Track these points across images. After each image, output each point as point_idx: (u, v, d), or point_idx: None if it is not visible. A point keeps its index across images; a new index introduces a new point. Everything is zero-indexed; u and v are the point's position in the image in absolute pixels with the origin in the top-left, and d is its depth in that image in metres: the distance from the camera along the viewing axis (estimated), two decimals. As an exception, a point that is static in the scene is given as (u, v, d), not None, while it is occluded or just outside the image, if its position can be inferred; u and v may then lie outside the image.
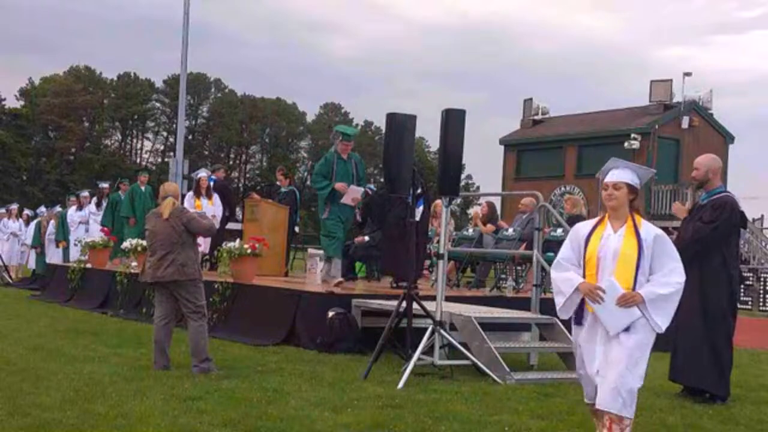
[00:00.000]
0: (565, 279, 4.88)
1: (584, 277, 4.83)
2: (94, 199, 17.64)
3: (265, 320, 9.91)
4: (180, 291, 7.50)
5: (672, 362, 7.38)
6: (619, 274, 4.71)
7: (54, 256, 18.39)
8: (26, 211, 22.89)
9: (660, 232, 4.80)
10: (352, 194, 10.80)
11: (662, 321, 4.69)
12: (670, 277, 4.70)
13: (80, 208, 17.76)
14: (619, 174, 4.91)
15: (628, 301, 4.65)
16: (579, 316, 4.87)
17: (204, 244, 12.45)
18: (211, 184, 14.69)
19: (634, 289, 4.70)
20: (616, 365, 4.65)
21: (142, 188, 16.69)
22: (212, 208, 13.56)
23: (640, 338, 4.69)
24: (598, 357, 4.75)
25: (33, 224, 20.76)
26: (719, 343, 7.12)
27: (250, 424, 5.42)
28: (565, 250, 4.99)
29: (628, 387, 4.63)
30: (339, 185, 10.60)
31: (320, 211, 10.98)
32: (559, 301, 4.92)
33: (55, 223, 18.88)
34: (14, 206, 22.46)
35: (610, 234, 4.81)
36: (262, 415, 5.68)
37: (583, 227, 5.01)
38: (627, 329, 4.67)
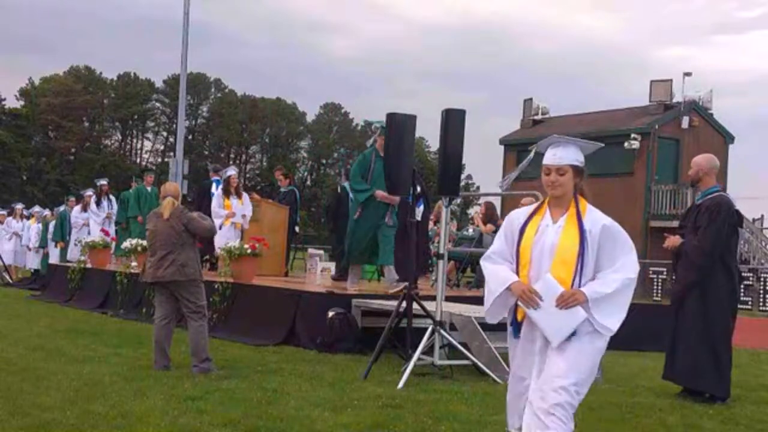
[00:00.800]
0: (495, 275, 4.09)
1: (517, 275, 4.04)
2: (94, 198, 17.59)
3: (265, 320, 9.91)
4: (180, 291, 7.49)
5: (669, 363, 7.37)
6: (556, 272, 3.93)
7: (52, 256, 18.40)
8: (24, 212, 22.88)
9: (609, 221, 4.05)
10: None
11: (611, 322, 3.94)
12: (617, 274, 3.95)
13: (84, 209, 17.66)
14: (563, 155, 4.09)
15: (567, 301, 3.87)
16: (516, 322, 4.09)
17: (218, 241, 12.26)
18: (216, 185, 14.66)
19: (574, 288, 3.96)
20: (552, 380, 3.86)
21: (148, 188, 16.73)
22: (242, 207, 13.00)
23: (584, 346, 3.93)
24: (535, 371, 3.97)
25: (33, 224, 20.77)
26: (718, 343, 7.11)
27: (250, 424, 5.42)
28: (497, 243, 4.22)
29: (564, 405, 3.85)
30: (380, 194, 9.63)
31: (351, 211, 10.29)
32: (487, 301, 4.13)
33: (54, 224, 18.89)
34: (19, 206, 22.47)
35: (548, 225, 4.05)
36: (262, 415, 5.68)
37: (518, 215, 4.19)
38: (570, 336, 3.91)
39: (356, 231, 9.95)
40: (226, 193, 13.02)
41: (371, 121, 10.48)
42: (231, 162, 77.97)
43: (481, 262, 4.21)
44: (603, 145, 4.08)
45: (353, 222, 10.05)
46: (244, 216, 12.88)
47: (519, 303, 3.98)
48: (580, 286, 3.93)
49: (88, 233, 16.70)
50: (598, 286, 3.92)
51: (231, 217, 12.65)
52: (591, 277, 3.96)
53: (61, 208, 19.94)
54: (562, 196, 4.08)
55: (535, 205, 4.20)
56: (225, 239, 12.02)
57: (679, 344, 7.23)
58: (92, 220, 17.22)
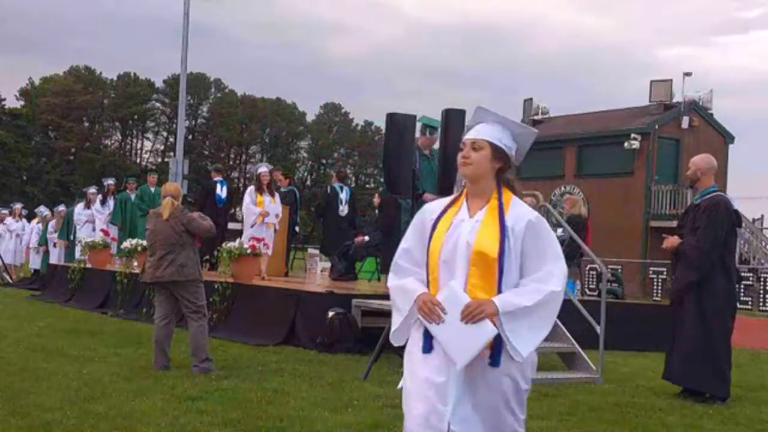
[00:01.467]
0: (402, 290, 3.28)
1: (428, 282, 3.23)
2: (99, 196, 17.65)
3: (265, 320, 9.91)
4: (180, 291, 7.49)
5: (668, 363, 7.37)
6: (474, 280, 3.13)
7: (53, 255, 18.41)
8: (23, 211, 22.91)
9: (536, 217, 3.24)
10: None
11: (523, 345, 3.08)
12: (541, 284, 3.13)
13: (87, 206, 17.74)
14: (483, 129, 3.27)
15: (473, 314, 3.04)
16: (427, 340, 3.21)
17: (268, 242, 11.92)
18: (221, 185, 14.66)
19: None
20: (483, 418, 3.12)
21: (152, 189, 16.76)
22: (274, 206, 12.47)
23: (511, 371, 3.11)
24: (452, 401, 3.15)
25: (35, 223, 20.79)
26: (717, 343, 7.11)
27: (250, 424, 5.42)
28: (405, 241, 3.38)
29: None
30: (430, 197, 8.69)
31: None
32: (394, 322, 3.34)
33: (56, 223, 18.90)
34: (18, 206, 22.51)
35: (464, 219, 3.20)
36: (262, 415, 5.68)
37: (432, 208, 3.34)
38: (495, 359, 3.08)
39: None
40: (259, 190, 12.46)
41: (421, 119, 9.51)
42: (230, 162, 78.06)
43: (390, 273, 3.42)
44: (537, 131, 3.41)
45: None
46: (277, 215, 12.48)
47: (419, 317, 3.18)
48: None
49: (93, 230, 16.76)
50: (514, 297, 3.10)
51: (264, 216, 12.16)
52: (515, 286, 3.17)
53: (61, 207, 20.00)
54: (477, 180, 3.23)
55: (452, 197, 3.36)
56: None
57: (678, 344, 7.23)
58: (98, 219, 17.26)
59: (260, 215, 12.15)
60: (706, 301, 7.10)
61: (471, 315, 3.05)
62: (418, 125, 9.40)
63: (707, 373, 7.07)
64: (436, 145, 9.13)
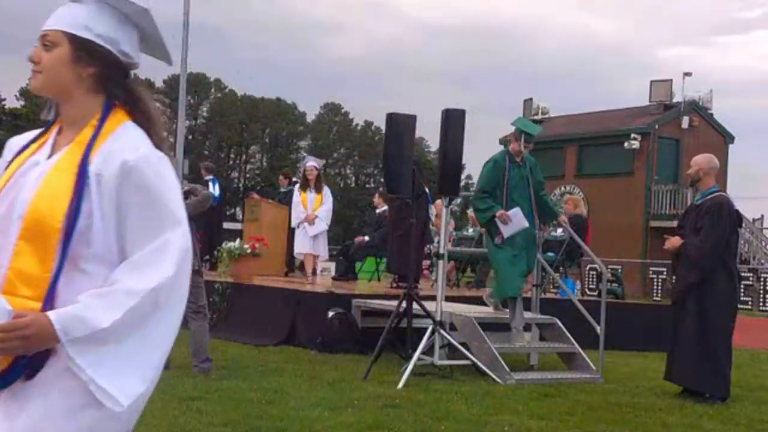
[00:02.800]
0: None
1: None
2: None
3: (265, 320, 9.91)
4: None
5: (670, 364, 7.37)
6: (20, 267, 1.89)
7: None
8: None
9: (144, 155, 2.04)
10: (517, 225, 7.98)
11: (120, 384, 1.86)
12: (140, 277, 1.89)
13: None
14: (61, 14, 2.04)
15: (2, 341, 1.81)
16: None
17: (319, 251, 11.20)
18: (213, 184, 14.65)
19: (51, 298, 1.88)
20: None
21: None
22: (321, 207, 11.29)
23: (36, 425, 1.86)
24: None
25: None
26: (717, 344, 7.10)
27: (250, 424, 5.42)
28: None
29: None
30: (501, 213, 7.92)
31: (491, 235, 8.19)
32: None
33: None
34: None
35: (38, 162, 2.02)
36: (262, 415, 5.68)
37: (19, 140, 2.16)
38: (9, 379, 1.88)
39: (500, 260, 8.06)
40: (303, 186, 11.32)
41: (517, 124, 8.52)
42: (230, 162, 78.12)
43: None
44: (148, 8, 2.05)
45: (494, 250, 8.10)
46: (316, 217, 11.31)
47: None
48: (56, 295, 1.89)
49: None
50: (85, 310, 1.85)
51: (306, 221, 11.19)
52: (103, 276, 1.92)
53: None
54: (64, 101, 2.05)
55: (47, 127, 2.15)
56: (302, 239, 11.07)
57: (679, 345, 7.23)
58: None
59: (307, 218, 11.19)
60: (707, 302, 7.09)
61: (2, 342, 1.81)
62: (516, 131, 8.34)
63: (707, 373, 7.07)
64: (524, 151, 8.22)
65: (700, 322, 7.09)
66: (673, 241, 7.37)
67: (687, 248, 7.21)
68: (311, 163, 11.66)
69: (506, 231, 7.90)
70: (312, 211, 11.31)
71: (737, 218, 7.36)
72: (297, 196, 11.40)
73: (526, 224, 7.97)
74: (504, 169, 8.12)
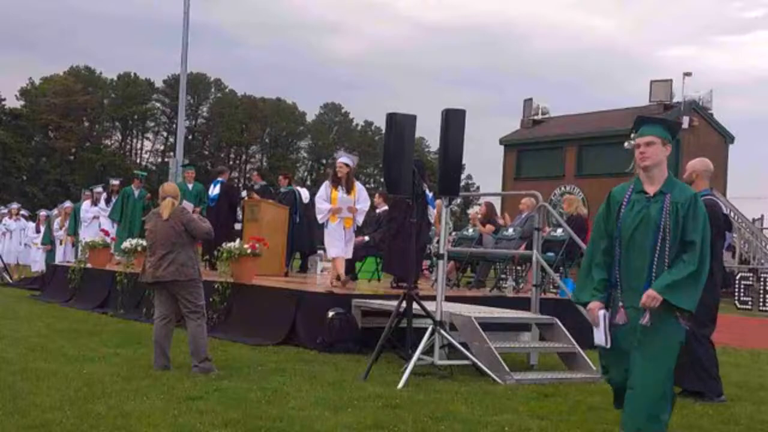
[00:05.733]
0: None
1: None
2: (104, 195, 17.75)
3: (265, 320, 9.91)
4: (180, 291, 7.50)
5: None
6: None
7: (59, 254, 18.45)
8: (22, 212, 22.94)
9: None
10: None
11: None
12: None
13: (94, 203, 17.86)
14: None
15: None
16: None
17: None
18: (214, 185, 14.63)
19: None
20: None
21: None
22: (351, 200, 10.47)
23: None
24: None
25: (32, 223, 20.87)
26: (695, 347, 7.02)
27: (250, 424, 5.42)
28: None
29: None
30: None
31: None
32: None
33: (61, 220, 18.99)
34: (14, 206, 22.60)
35: None
36: (262, 415, 5.68)
37: None
38: None
39: None
40: (335, 182, 10.61)
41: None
42: (230, 162, 78.06)
43: None
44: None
45: None
46: (357, 210, 10.50)
47: None
48: None
49: (99, 226, 16.83)
50: None
51: (337, 213, 10.37)
52: None
53: (66, 204, 20.09)
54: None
55: None
56: (334, 240, 10.36)
57: None
58: (102, 217, 17.36)
59: (332, 213, 10.38)
60: None
61: None
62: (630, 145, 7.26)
63: (694, 375, 7.09)
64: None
65: None
66: None
67: None
68: (342, 159, 10.81)
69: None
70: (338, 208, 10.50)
71: (726, 223, 7.33)
72: (326, 190, 10.58)
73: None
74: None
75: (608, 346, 4.83)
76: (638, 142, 5.12)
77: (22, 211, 22.63)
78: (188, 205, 12.31)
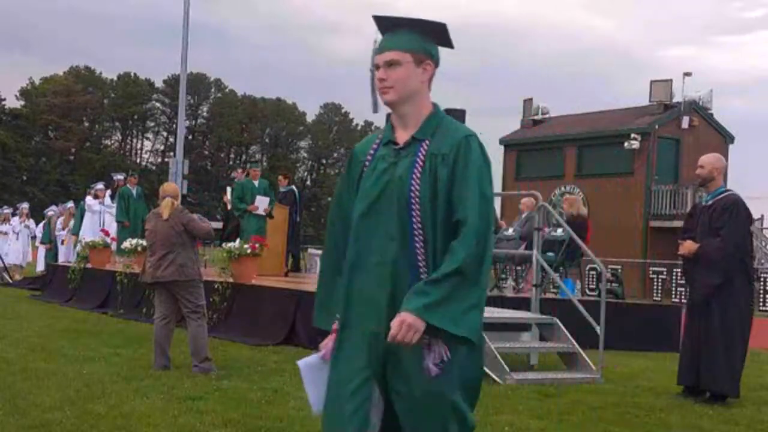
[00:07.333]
0: None
1: None
2: (108, 191, 17.74)
3: (265, 320, 9.91)
4: (180, 291, 7.50)
5: (686, 368, 7.17)
6: None
7: (62, 253, 18.46)
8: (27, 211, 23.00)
9: None
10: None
11: None
12: None
13: (97, 197, 17.86)
14: None
15: None
16: None
17: None
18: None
19: None
20: None
21: (255, 182, 16.54)
22: None
23: None
24: None
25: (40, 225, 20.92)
26: (736, 344, 7.01)
27: (250, 424, 5.42)
28: None
29: None
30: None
31: None
32: None
33: (64, 220, 19.01)
34: (24, 205, 22.77)
35: None
36: (262, 415, 5.68)
37: None
38: None
39: None
40: None
41: None
42: (231, 162, 78.07)
43: None
44: None
45: None
46: None
47: None
48: None
49: (102, 223, 16.82)
50: None
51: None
52: None
53: (69, 204, 20.11)
54: None
55: None
56: None
57: (703, 349, 7.02)
58: (107, 213, 17.32)
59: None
60: (728, 303, 6.98)
61: None
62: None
63: (726, 375, 7.00)
64: None
65: (722, 324, 7.02)
66: (688, 246, 7.14)
67: (706, 250, 7.04)
68: None
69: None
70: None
71: (750, 217, 7.32)
72: None
73: None
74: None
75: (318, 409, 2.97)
76: (377, 61, 3.26)
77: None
78: (263, 200, 12.47)
